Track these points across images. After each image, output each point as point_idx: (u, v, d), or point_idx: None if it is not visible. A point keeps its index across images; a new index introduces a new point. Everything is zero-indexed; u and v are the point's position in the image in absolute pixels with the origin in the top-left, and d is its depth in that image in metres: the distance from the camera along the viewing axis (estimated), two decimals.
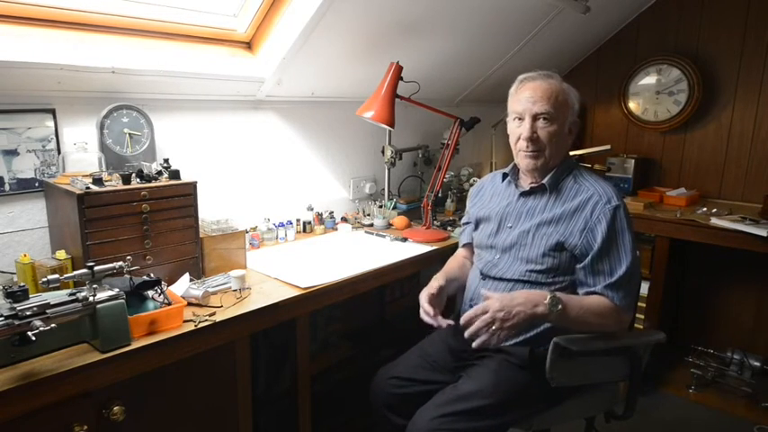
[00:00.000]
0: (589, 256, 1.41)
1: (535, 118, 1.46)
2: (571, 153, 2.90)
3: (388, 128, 2.14)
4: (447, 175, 2.57)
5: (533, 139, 1.46)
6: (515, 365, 1.45)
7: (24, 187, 1.52)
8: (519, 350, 1.46)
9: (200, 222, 1.59)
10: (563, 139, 1.50)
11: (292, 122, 2.25)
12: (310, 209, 2.25)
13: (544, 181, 1.51)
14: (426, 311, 1.44)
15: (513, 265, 1.50)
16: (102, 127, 1.57)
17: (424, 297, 1.48)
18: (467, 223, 1.76)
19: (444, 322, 1.42)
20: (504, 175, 1.65)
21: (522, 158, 1.51)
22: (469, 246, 1.74)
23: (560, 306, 1.31)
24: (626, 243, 1.41)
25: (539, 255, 1.45)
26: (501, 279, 1.53)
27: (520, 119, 1.49)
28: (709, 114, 2.86)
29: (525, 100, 1.47)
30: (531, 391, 1.44)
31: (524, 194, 1.56)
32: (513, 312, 1.29)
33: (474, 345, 1.31)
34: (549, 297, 1.31)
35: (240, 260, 1.72)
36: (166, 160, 1.57)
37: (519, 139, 1.49)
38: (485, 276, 1.57)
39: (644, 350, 1.57)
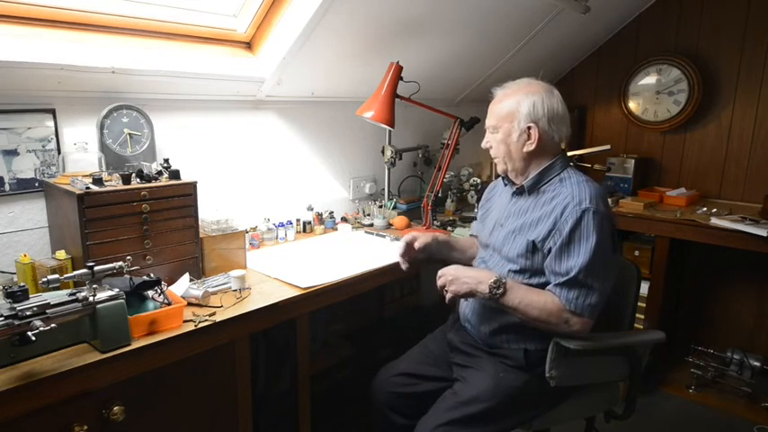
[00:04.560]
0: (549, 255, 1.40)
1: (488, 130, 1.57)
2: (571, 153, 2.91)
3: (388, 128, 2.14)
4: (447, 175, 2.57)
5: (489, 149, 1.58)
6: (512, 367, 1.46)
7: (24, 187, 1.52)
8: (514, 352, 1.48)
9: (200, 222, 1.59)
10: (513, 145, 1.50)
11: (292, 122, 2.25)
12: (310, 209, 2.25)
13: (524, 183, 1.52)
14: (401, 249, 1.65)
15: (498, 264, 1.52)
16: (102, 127, 1.57)
17: (406, 239, 1.65)
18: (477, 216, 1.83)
19: (405, 264, 1.64)
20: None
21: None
22: (475, 237, 1.80)
23: (501, 290, 1.37)
24: (587, 245, 1.35)
25: (515, 255, 1.46)
26: None
27: None
28: (709, 114, 2.86)
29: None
30: (531, 392, 1.45)
31: (515, 195, 1.58)
32: (461, 282, 1.42)
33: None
34: (493, 279, 1.38)
35: (240, 260, 1.72)
36: (166, 160, 1.57)
37: None
38: None
39: (644, 350, 1.57)
